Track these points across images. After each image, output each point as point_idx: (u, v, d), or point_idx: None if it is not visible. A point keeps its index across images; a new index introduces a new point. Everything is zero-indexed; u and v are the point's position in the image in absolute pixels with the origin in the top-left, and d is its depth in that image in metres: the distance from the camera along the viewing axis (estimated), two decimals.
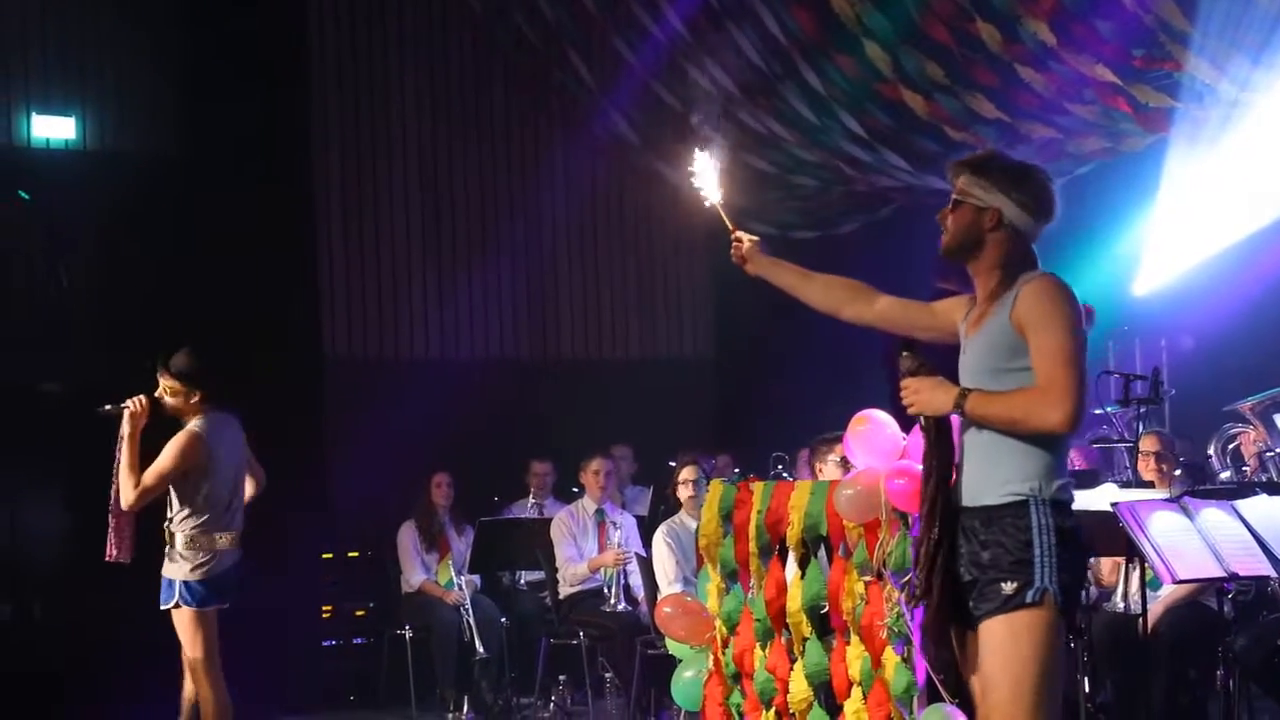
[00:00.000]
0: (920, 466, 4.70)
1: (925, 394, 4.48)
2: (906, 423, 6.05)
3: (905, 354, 4.58)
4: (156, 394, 7.60)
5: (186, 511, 7.52)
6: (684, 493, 9.14)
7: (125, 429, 7.52)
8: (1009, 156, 4.73)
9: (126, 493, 7.48)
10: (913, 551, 4.69)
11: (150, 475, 7.46)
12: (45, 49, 11.22)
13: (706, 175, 5.53)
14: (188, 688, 7.64)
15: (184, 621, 7.51)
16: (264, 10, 11.32)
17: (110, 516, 7.58)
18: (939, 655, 4.63)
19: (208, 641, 7.48)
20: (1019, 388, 4.38)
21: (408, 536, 10.62)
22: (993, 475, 4.41)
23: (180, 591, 7.48)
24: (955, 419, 4.53)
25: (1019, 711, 4.28)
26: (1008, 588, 4.31)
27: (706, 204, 5.53)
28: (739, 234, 5.33)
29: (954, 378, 4.56)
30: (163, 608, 7.54)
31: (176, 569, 7.51)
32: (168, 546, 7.55)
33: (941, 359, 4.66)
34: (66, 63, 11.27)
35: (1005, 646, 4.30)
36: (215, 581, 7.51)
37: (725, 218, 5.42)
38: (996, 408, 4.37)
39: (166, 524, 7.56)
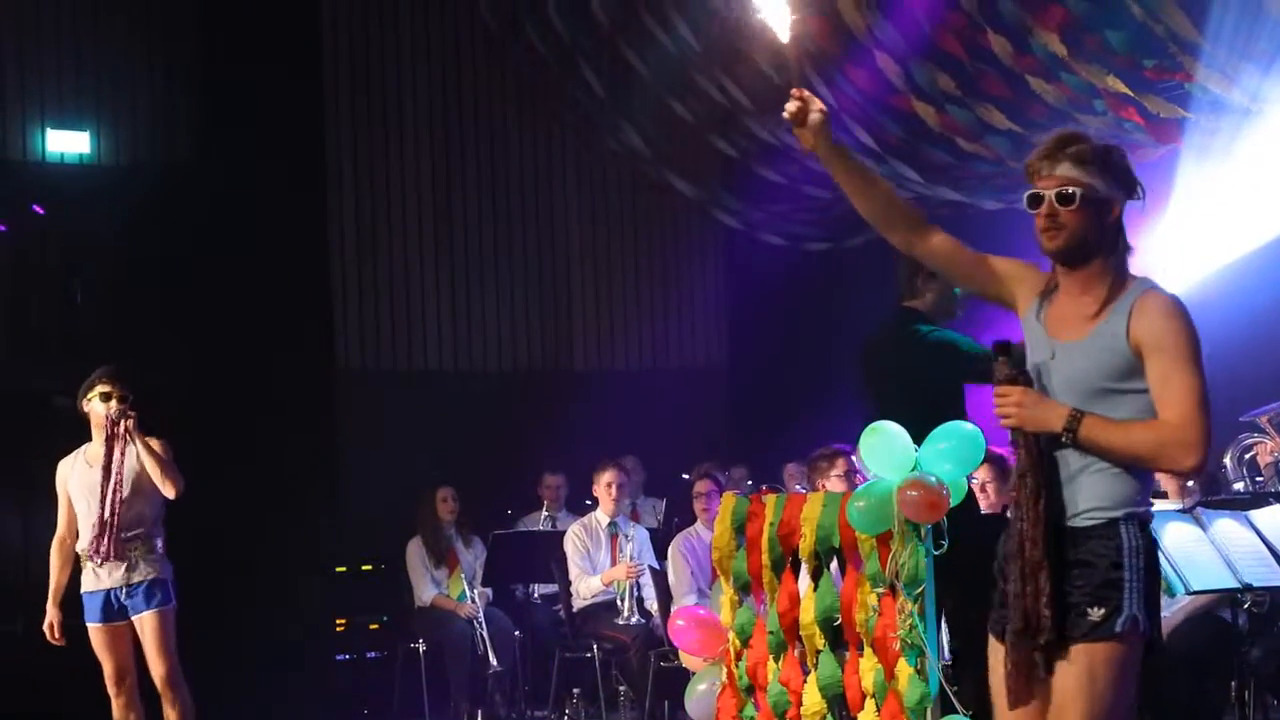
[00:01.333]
0: (1011, 482, 4.43)
1: (1030, 409, 4.11)
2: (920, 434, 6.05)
3: (1001, 358, 4.17)
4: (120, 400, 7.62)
5: (164, 512, 7.61)
6: (699, 505, 9.14)
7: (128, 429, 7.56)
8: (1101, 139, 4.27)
9: (175, 485, 7.52)
10: (1007, 580, 4.19)
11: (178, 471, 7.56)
12: (60, 65, 11.26)
13: (776, 9, 4.56)
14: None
15: (168, 622, 7.55)
16: (276, 25, 11.33)
17: (112, 516, 7.54)
18: (1018, 691, 4.16)
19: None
20: (1141, 420, 4.09)
21: (415, 553, 10.59)
22: (1083, 496, 4.13)
23: (171, 590, 7.57)
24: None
25: None
26: (1095, 614, 4.06)
27: (779, 37, 4.55)
28: (804, 93, 4.42)
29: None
30: (159, 609, 7.54)
31: (164, 567, 7.59)
32: (144, 549, 7.57)
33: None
34: (81, 78, 11.31)
35: (1083, 676, 4.06)
36: None
37: (794, 65, 4.73)
38: (1117, 439, 4.07)
39: (144, 528, 7.58)
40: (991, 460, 7.18)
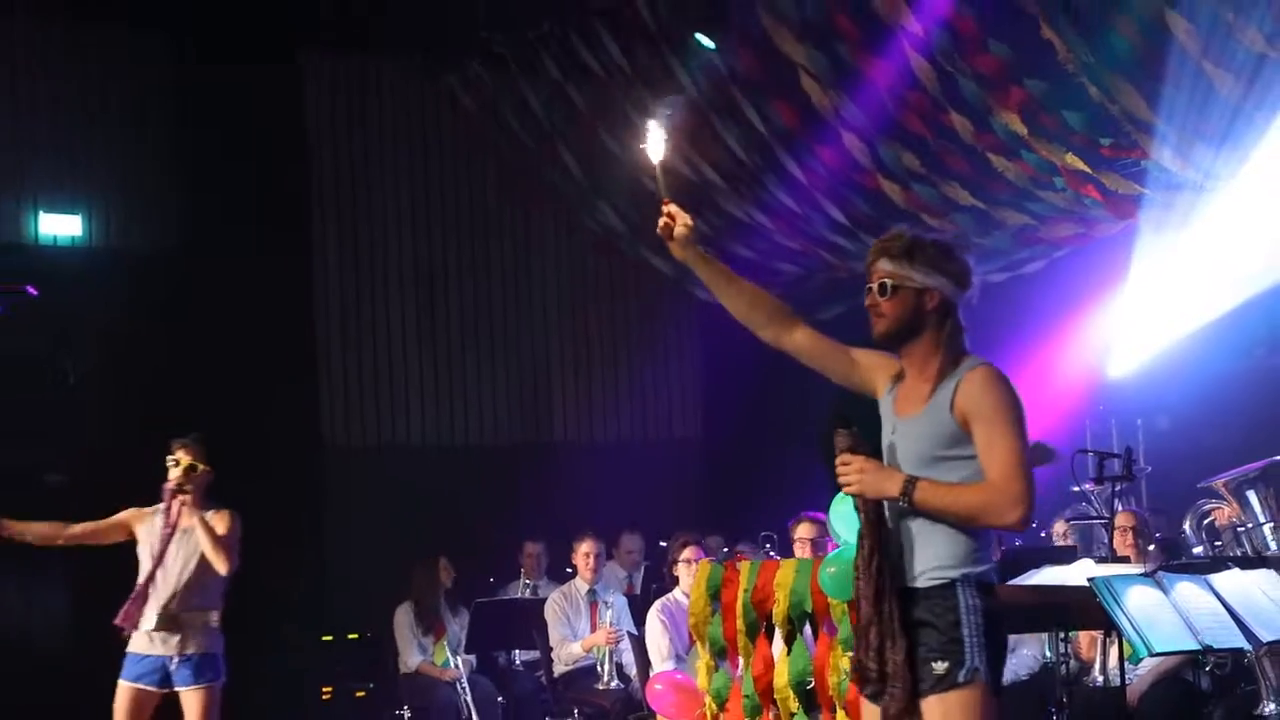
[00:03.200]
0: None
1: (869, 476, 4.32)
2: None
3: (842, 431, 4.37)
4: (182, 471, 7.54)
5: (225, 586, 7.52)
6: (683, 570, 9.11)
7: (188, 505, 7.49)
8: (924, 234, 4.53)
9: (227, 562, 7.44)
10: (861, 636, 4.40)
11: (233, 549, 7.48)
12: (53, 150, 11.29)
13: (655, 137, 4.85)
14: None
15: (214, 698, 7.45)
16: (261, 112, 11.39)
17: (141, 586, 7.45)
18: None
19: None
20: (968, 482, 4.28)
21: (404, 619, 10.53)
22: (922, 558, 4.31)
23: (221, 665, 7.49)
24: None
25: None
26: (939, 668, 4.24)
27: (651, 161, 4.83)
28: (672, 208, 4.66)
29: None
30: (207, 685, 7.43)
31: (216, 641, 7.49)
32: (199, 621, 7.46)
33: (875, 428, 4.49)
34: (73, 163, 11.34)
35: None
36: None
37: (661, 184, 4.74)
38: (947, 500, 4.26)
39: (200, 599, 7.47)
40: None
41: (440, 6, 11.10)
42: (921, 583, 4.30)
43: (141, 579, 7.48)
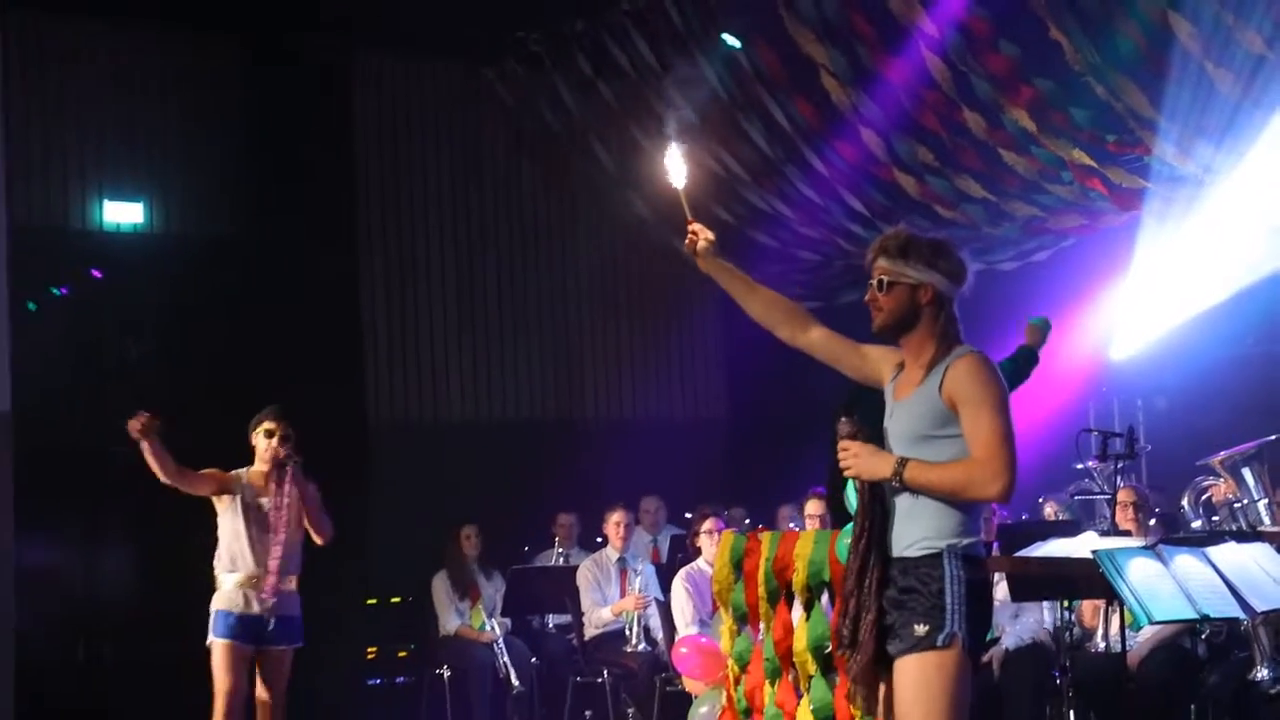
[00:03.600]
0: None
1: (864, 459, 4.49)
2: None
3: (843, 420, 4.54)
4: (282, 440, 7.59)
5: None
6: (704, 541, 9.18)
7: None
8: (920, 232, 4.67)
9: (327, 531, 7.59)
10: (841, 603, 4.60)
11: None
12: (118, 141, 11.32)
13: (676, 164, 5.19)
14: None
15: (290, 658, 7.52)
16: (313, 108, 11.45)
17: (274, 560, 7.47)
18: (867, 699, 4.56)
19: None
20: (954, 459, 4.42)
21: (440, 585, 10.60)
22: (912, 530, 4.44)
23: (302, 628, 7.56)
24: None
25: None
26: (920, 630, 4.36)
27: (676, 187, 5.17)
28: (696, 226, 5.02)
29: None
30: (295, 647, 7.52)
31: (298, 604, 7.54)
32: (291, 586, 7.53)
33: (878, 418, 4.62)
34: (135, 154, 11.36)
35: (917, 684, 4.35)
36: None
37: (685, 205, 5.09)
38: (935, 477, 4.41)
39: (293, 565, 7.52)
40: None
41: (480, 9, 11.14)
42: (911, 552, 4.43)
43: (250, 543, 7.50)
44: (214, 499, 7.63)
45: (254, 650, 7.49)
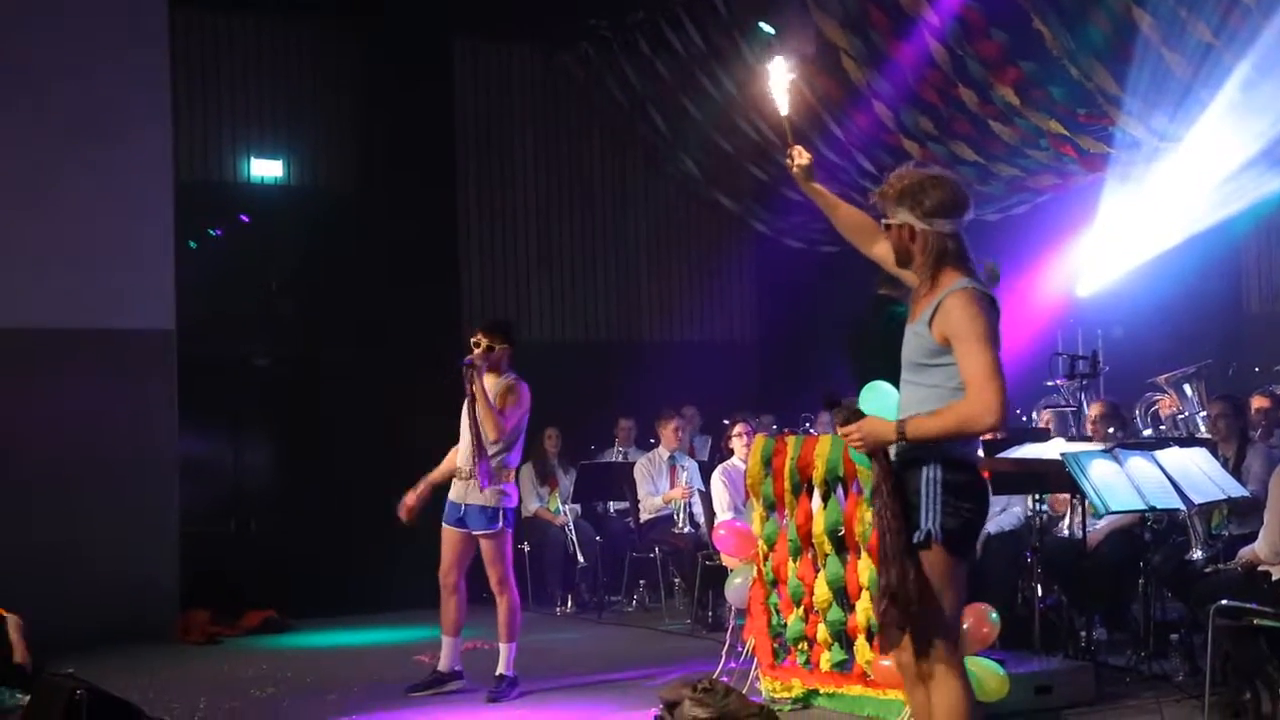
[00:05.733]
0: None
1: (868, 436, 4.13)
2: None
3: (836, 409, 4.20)
4: (481, 351, 7.01)
5: (501, 446, 6.97)
6: (736, 443, 9.19)
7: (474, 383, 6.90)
8: (913, 174, 4.27)
9: (496, 429, 6.88)
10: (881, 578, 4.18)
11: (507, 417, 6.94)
12: (261, 110, 11.34)
13: (780, 88, 4.76)
14: (454, 604, 7.13)
15: (494, 543, 6.95)
16: (420, 78, 11.47)
17: (476, 458, 6.92)
18: (891, 639, 4.19)
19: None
20: (949, 405, 4.07)
21: (526, 475, 10.65)
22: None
23: (503, 516, 6.97)
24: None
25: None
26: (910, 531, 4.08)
27: (781, 113, 4.75)
28: (797, 149, 4.65)
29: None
30: (484, 532, 6.95)
31: (497, 496, 6.95)
32: (476, 479, 6.90)
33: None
34: (276, 120, 11.37)
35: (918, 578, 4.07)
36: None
37: (789, 130, 4.68)
38: (933, 426, 4.06)
39: (481, 458, 6.86)
40: None
41: (557, 0, 11.14)
42: (898, 463, 4.16)
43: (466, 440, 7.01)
44: None
45: (462, 533, 7.09)
